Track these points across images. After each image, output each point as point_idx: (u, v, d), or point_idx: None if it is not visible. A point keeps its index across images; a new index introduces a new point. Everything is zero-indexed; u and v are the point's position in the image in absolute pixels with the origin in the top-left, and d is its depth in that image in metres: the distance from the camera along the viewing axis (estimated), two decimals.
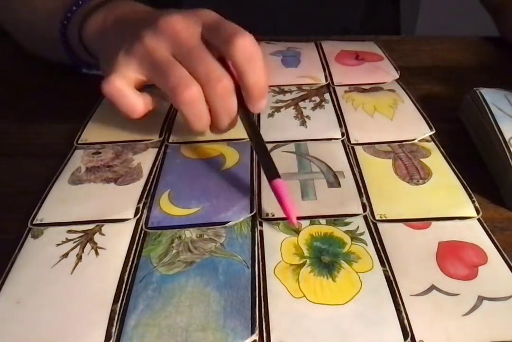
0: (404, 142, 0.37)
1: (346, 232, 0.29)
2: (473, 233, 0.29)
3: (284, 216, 0.29)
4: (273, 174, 0.30)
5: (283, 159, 0.36)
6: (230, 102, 0.32)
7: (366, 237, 0.29)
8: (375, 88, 0.45)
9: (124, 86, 0.32)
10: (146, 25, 0.32)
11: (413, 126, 0.39)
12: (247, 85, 0.32)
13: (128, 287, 0.27)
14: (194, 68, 0.31)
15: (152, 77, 0.32)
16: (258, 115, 0.41)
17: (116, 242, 0.29)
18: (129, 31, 0.33)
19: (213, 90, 0.31)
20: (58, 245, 0.29)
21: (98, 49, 0.38)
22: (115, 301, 0.26)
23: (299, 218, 0.30)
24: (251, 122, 0.34)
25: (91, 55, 0.41)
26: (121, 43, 0.33)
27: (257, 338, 0.24)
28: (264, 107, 0.34)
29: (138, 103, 0.33)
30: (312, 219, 0.30)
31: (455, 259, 0.28)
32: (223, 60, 0.32)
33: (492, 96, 0.37)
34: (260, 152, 0.32)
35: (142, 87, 0.34)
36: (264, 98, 0.33)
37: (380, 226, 0.30)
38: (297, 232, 0.30)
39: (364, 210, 0.31)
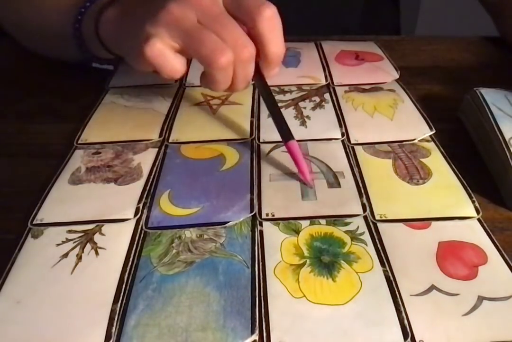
0: (404, 142, 0.37)
1: (346, 232, 0.29)
2: (473, 233, 0.29)
3: (283, 216, 0.30)
4: (287, 135, 0.34)
5: (283, 159, 0.36)
6: (250, 68, 0.34)
7: (366, 237, 0.29)
8: (375, 88, 0.45)
9: (165, 48, 0.33)
10: None
11: (413, 126, 0.39)
12: (268, 53, 0.34)
13: (128, 287, 0.27)
14: (221, 34, 0.32)
15: (184, 44, 0.33)
16: (258, 115, 0.41)
17: (116, 242, 0.29)
18: (151, 6, 0.34)
19: (239, 56, 0.32)
20: (58, 245, 0.29)
21: (117, 40, 0.39)
22: (115, 301, 0.26)
23: (299, 218, 0.30)
24: (265, 85, 0.36)
25: (106, 49, 0.41)
26: (145, 16, 0.33)
27: (257, 338, 0.24)
28: (278, 73, 0.36)
29: (179, 64, 0.34)
30: (312, 219, 0.30)
31: (455, 259, 0.28)
32: None
33: (492, 96, 0.37)
34: (274, 114, 0.35)
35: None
36: (279, 65, 0.36)
37: (380, 226, 0.30)
38: (297, 231, 0.30)
39: (364, 210, 0.31)
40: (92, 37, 0.41)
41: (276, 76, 0.37)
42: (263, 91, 0.36)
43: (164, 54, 0.33)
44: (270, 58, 0.34)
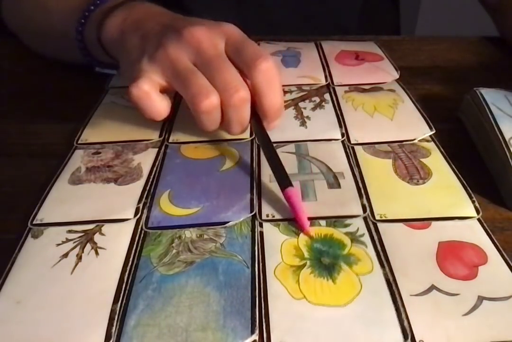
0: (404, 142, 0.37)
1: (346, 233, 0.29)
2: (473, 233, 0.29)
3: (283, 217, 0.30)
4: (285, 182, 0.31)
5: (283, 160, 0.35)
6: (244, 113, 0.34)
7: (366, 238, 0.29)
8: (375, 88, 0.45)
9: (151, 90, 0.33)
10: (169, 32, 0.33)
11: (413, 126, 0.39)
12: (264, 106, 0.34)
13: (128, 287, 0.27)
14: (213, 77, 0.32)
15: (174, 84, 0.33)
16: None
17: (116, 242, 0.29)
18: (151, 37, 0.34)
19: (229, 99, 0.32)
20: (58, 245, 0.29)
21: (118, 50, 0.39)
22: (115, 301, 0.26)
23: None
24: (263, 131, 0.35)
25: (108, 54, 0.41)
26: (143, 48, 0.34)
27: (257, 338, 0.24)
28: (277, 125, 0.36)
29: (163, 107, 0.34)
30: (312, 220, 0.30)
31: (455, 259, 0.28)
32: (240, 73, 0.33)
33: (492, 96, 0.37)
34: (272, 160, 0.33)
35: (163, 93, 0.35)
36: (279, 118, 0.35)
37: (380, 226, 0.30)
38: (297, 233, 0.30)
39: (364, 211, 0.31)
40: (94, 42, 0.41)
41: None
42: (260, 136, 0.35)
43: (150, 96, 0.33)
44: (267, 110, 0.34)
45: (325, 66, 0.49)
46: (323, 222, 0.30)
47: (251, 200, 0.32)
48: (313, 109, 0.42)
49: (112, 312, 0.25)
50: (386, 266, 0.27)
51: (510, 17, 0.54)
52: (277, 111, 0.34)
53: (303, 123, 0.40)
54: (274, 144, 0.37)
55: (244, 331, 0.24)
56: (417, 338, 0.24)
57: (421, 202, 0.32)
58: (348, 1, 0.64)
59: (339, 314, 0.25)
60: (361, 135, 0.38)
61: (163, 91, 0.34)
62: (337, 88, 0.45)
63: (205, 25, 0.34)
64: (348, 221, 0.30)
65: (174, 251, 0.29)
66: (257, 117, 0.35)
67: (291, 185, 0.31)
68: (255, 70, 0.32)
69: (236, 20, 0.37)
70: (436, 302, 0.25)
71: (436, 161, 0.35)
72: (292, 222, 0.30)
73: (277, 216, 0.31)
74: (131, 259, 0.28)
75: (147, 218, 0.31)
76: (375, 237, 0.29)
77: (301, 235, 0.29)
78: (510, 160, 0.32)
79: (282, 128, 0.39)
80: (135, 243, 0.29)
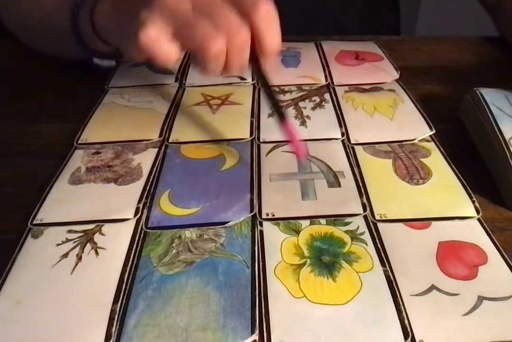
0: (404, 142, 0.37)
1: (346, 231, 0.29)
2: (473, 233, 0.29)
3: (283, 216, 0.30)
4: (284, 117, 0.33)
5: (283, 159, 0.36)
6: (246, 55, 0.34)
7: (366, 236, 0.29)
8: (375, 88, 0.45)
9: (159, 35, 0.33)
10: None
11: (413, 126, 0.39)
12: (265, 46, 0.34)
13: (128, 287, 0.27)
14: (214, 21, 0.32)
15: (177, 31, 0.33)
16: (258, 115, 0.41)
17: (116, 242, 0.29)
18: None
19: (232, 42, 0.33)
20: (58, 245, 0.29)
21: (115, 22, 0.39)
22: (115, 301, 0.26)
23: (299, 218, 0.30)
24: (261, 71, 0.35)
25: (101, 39, 0.41)
26: (140, 5, 0.34)
27: (257, 338, 0.24)
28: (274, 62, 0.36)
29: (173, 50, 0.34)
30: (312, 219, 0.30)
31: (455, 259, 0.28)
32: None
33: (492, 96, 0.37)
34: (272, 99, 0.34)
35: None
36: (276, 55, 0.36)
37: (380, 226, 0.30)
38: (297, 231, 0.30)
39: (364, 209, 0.31)
40: (88, 29, 0.41)
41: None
42: (260, 77, 0.36)
43: (159, 40, 0.32)
44: (268, 50, 0.35)
45: (325, 66, 0.49)
46: (323, 221, 0.30)
47: (251, 200, 0.32)
48: (313, 109, 0.42)
49: (112, 312, 0.25)
50: (387, 265, 0.27)
51: (509, 17, 0.54)
52: (276, 50, 0.36)
53: (303, 123, 0.40)
54: (275, 144, 0.37)
55: (244, 331, 0.24)
56: (417, 338, 0.24)
57: (421, 202, 0.32)
58: (348, 1, 0.64)
59: (339, 313, 0.25)
60: (361, 135, 0.38)
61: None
62: (337, 88, 0.45)
63: None
64: (348, 219, 0.30)
65: (174, 251, 0.29)
66: (256, 59, 0.36)
67: (287, 118, 0.33)
68: (256, 12, 0.33)
69: None
70: (436, 302, 0.25)
71: (436, 161, 0.35)
72: (291, 220, 0.30)
73: (277, 215, 0.31)
74: (131, 259, 0.28)
75: (147, 218, 0.31)
76: (376, 237, 0.29)
77: (301, 233, 0.29)
78: (510, 160, 0.32)
79: None
80: (135, 243, 0.29)
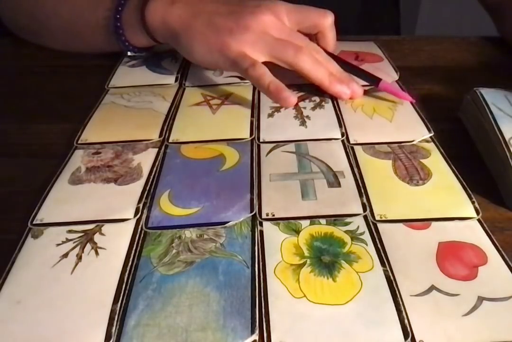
0: (403, 144, 0.37)
1: (346, 231, 0.29)
2: (473, 233, 0.29)
3: (283, 215, 0.30)
4: (375, 78, 0.42)
5: (283, 159, 0.36)
6: (331, 63, 0.43)
7: (366, 236, 0.29)
8: (375, 89, 0.45)
9: (265, 70, 0.39)
10: (245, 15, 0.39)
11: (412, 128, 0.39)
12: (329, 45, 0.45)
13: (128, 287, 0.27)
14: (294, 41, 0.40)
15: (272, 54, 0.39)
16: (258, 115, 0.41)
17: (116, 242, 0.29)
18: (225, 19, 0.39)
19: (317, 58, 0.41)
20: (58, 245, 0.29)
21: (177, 33, 0.41)
22: (115, 301, 0.26)
23: (299, 218, 0.30)
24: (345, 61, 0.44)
25: (152, 37, 0.44)
26: (225, 32, 0.39)
27: (257, 338, 0.24)
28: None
29: (293, 96, 0.39)
30: (312, 219, 0.30)
31: (455, 259, 0.28)
32: None
33: (492, 96, 0.37)
34: (355, 69, 0.43)
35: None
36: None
37: (380, 226, 0.30)
38: (297, 231, 0.30)
39: (364, 209, 0.31)
40: (135, 26, 0.43)
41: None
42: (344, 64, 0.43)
43: (266, 73, 0.38)
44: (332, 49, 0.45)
45: None
46: (323, 221, 0.30)
47: (251, 200, 0.32)
48: (313, 109, 0.42)
49: (112, 312, 0.25)
50: (387, 265, 0.27)
51: (510, 17, 0.54)
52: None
53: (303, 123, 0.40)
54: (275, 144, 0.38)
55: (244, 331, 0.24)
56: (417, 338, 0.24)
57: (421, 202, 0.32)
58: (348, 1, 0.64)
59: (339, 313, 0.25)
60: (360, 136, 0.38)
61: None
62: None
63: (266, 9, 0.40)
64: (348, 219, 0.30)
65: (174, 251, 0.29)
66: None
67: (380, 78, 0.41)
68: (325, 22, 0.43)
69: None
70: (436, 302, 0.25)
71: (436, 162, 0.35)
72: (291, 220, 0.30)
73: (277, 215, 0.31)
74: (131, 259, 0.28)
75: (147, 218, 0.31)
76: (376, 237, 0.29)
77: (301, 233, 0.29)
78: (510, 160, 0.32)
79: (282, 128, 0.39)
80: (135, 243, 0.29)
